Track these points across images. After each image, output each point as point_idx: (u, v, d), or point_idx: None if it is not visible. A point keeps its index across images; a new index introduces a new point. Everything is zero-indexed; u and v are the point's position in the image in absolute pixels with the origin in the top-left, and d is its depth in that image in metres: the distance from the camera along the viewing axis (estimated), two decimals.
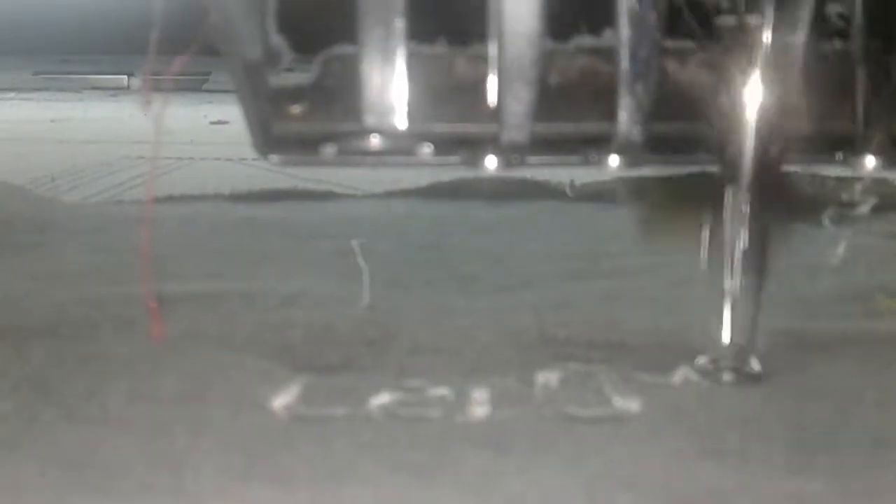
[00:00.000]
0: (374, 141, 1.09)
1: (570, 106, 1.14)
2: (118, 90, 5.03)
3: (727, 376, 1.08)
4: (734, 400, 1.00)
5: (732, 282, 1.11)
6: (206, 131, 3.50)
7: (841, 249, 1.40)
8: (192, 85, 4.48)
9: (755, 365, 1.08)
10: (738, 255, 1.11)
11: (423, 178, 2.21)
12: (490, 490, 0.81)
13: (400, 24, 1.08)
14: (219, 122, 3.69)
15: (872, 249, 1.63)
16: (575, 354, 1.16)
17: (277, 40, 1.11)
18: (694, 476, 0.81)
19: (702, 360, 1.10)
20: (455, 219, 1.99)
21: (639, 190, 2.01)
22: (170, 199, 2.09)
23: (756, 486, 0.79)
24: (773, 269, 1.50)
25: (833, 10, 1.14)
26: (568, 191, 2.17)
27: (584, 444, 0.90)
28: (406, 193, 2.21)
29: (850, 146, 1.10)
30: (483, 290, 1.42)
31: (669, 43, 1.14)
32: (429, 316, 1.29)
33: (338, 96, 1.12)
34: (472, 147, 1.09)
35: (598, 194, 2.09)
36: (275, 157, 1.12)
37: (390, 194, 2.23)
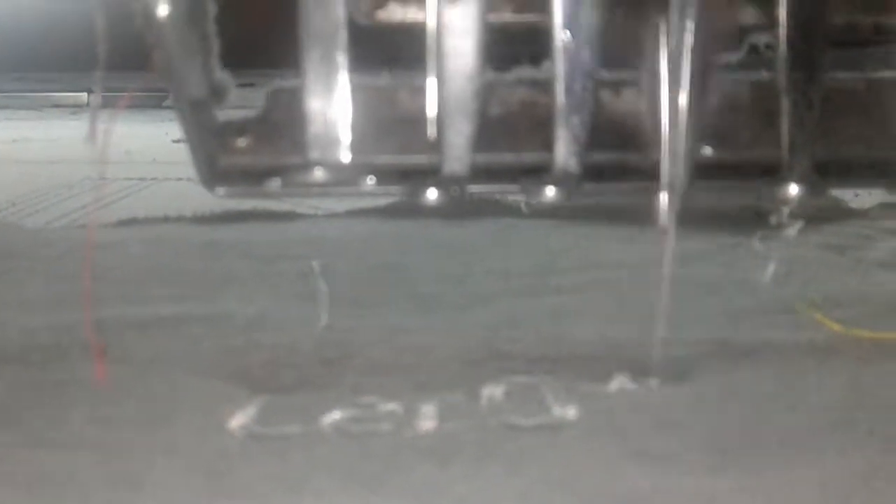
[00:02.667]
0: (318, 173, 1.14)
1: (511, 137, 1.19)
2: (78, 107, 5.01)
3: (654, 381, 1.15)
4: (662, 405, 1.08)
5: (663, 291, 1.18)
6: (168, 150, 3.49)
7: (773, 263, 1.48)
8: (153, 102, 4.47)
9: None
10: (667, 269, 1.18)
11: (385, 197, 2.26)
12: (435, 497, 0.87)
13: (342, 58, 1.13)
14: (181, 141, 3.69)
15: (806, 261, 1.71)
16: (521, 368, 1.23)
17: (222, 76, 1.17)
18: (619, 477, 0.88)
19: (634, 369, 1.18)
20: (415, 238, 2.05)
21: (590, 207, 2.10)
22: (133, 221, 2.14)
23: (674, 485, 0.85)
24: (709, 282, 1.60)
25: (761, 40, 1.21)
26: (524, 208, 2.24)
27: (524, 452, 0.96)
28: (367, 213, 2.26)
29: (776, 174, 1.17)
30: (439, 310, 1.48)
31: (605, 74, 1.21)
32: (384, 335, 1.35)
33: (283, 129, 1.17)
34: (414, 178, 1.14)
35: (552, 211, 2.17)
36: (221, 190, 1.17)
37: (352, 214, 2.29)
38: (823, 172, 1.16)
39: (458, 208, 2.24)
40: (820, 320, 1.34)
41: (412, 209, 2.23)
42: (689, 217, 1.32)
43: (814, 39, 1.13)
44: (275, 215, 2.25)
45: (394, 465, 0.93)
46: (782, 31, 1.11)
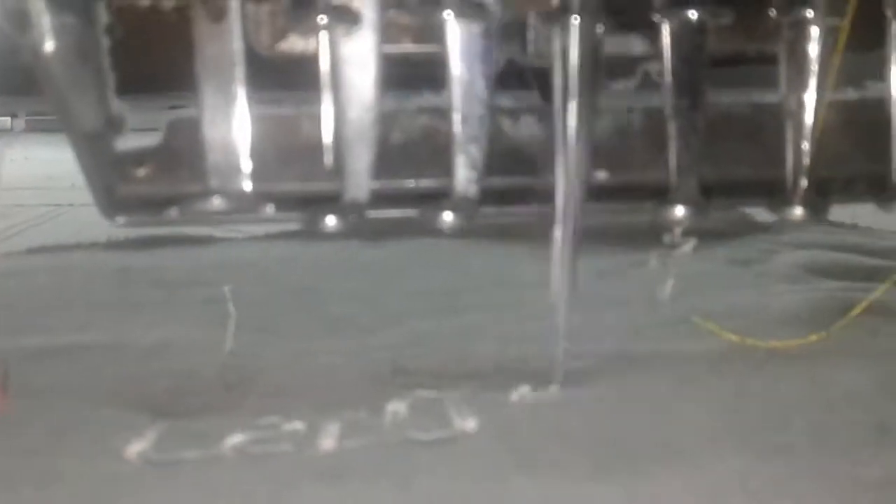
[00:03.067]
0: (218, 202, 1.14)
1: (411, 163, 1.21)
2: (1, 132, 4.89)
3: (553, 390, 1.18)
4: (558, 414, 1.10)
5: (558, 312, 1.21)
6: None
7: (676, 278, 1.53)
8: None
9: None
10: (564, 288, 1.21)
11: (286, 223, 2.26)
12: None
13: (241, 88, 1.14)
14: None
15: (711, 275, 1.77)
16: (425, 384, 1.24)
17: (119, 107, 1.16)
18: (508, 488, 0.90)
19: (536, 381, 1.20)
20: (333, 260, 2.05)
21: (509, 225, 2.13)
22: (43, 249, 2.09)
23: (559, 494, 0.87)
24: (613, 298, 1.63)
25: (654, 68, 1.26)
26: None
27: (418, 467, 0.98)
28: (287, 236, 2.26)
29: (665, 196, 1.21)
30: (348, 332, 1.48)
31: (502, 101, 1.24)
32: (289, 358, 1.35)
33: (182, 159, 1.17)
34: (314, 205, 1.15)
35: (469, 230, 2.19)
36: (121, 220, 1.16)
37: (271, 237, 2.28)
38: (710, 193, 1.21)
39: (377, 229, 2.27)
40: (714, 331, 1.38)
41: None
42: (597, 235, 1.37)
43: (696, 68, 1.18)
44: (191, 239, 2.23)
45: (287, 487, 0.94)
46: (666, 60, 1.16)
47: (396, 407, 1.15)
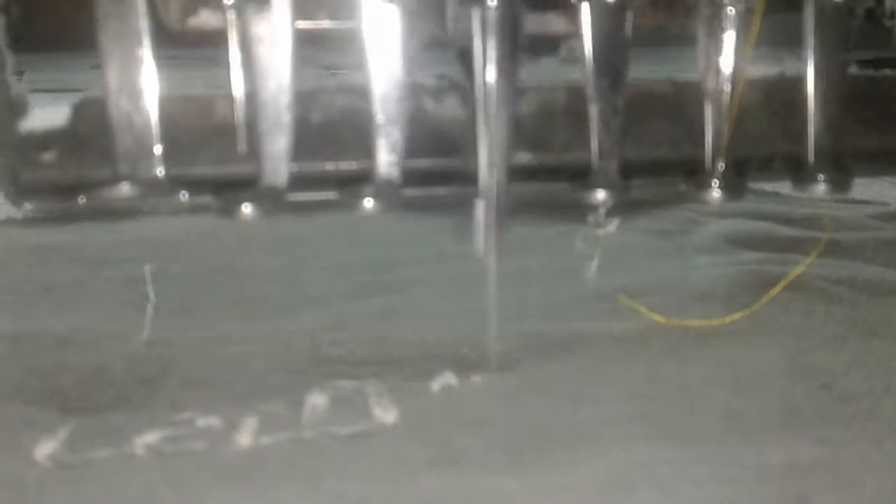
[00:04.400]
0: (128, 189, 1.10)
1: (331, 145, 1.18)
2: None
3: (475, 377, 1.19)
4: (477, 403, 1.11)
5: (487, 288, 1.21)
6: None
7: (597, 252, 1.54)
8: None
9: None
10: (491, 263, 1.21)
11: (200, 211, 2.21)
12: None
13: (150, 67, 1.09)
14: None
15: (631, 248, 1.79)
16: (346, 372, 1.23)
17: (20, 89, 1.11)
18: (418, 484, 0.90)
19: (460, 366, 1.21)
20: (256, 235, 2.01)
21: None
22: None
23: (469, 487, 0.88)
24: (535, 273, 1.64)
25: (578, 47, 1.25)
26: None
27: (330, 464, 0.97)
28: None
29: (586, 177, 1.21)
30: (265, 314, 1.46)
31: (422, 80, 1.21)
32: (206, 347, 1.32)
33: (89, 142, 1.13)
34: (229, 191, 1.12)
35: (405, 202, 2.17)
36: (27, 206, 1.12)
37: (196, 208, 2.22)
38: (630, 173, 1.22)
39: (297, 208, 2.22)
40: (633, 308, 1.40)
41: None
42: (520, 207, 1.36)
43: (615, 48, 1.17)
44: (114, 213, 2.15)
45: (195, 488, 0.92)
46: (585, 40, 1.15)
47: (316, 399, 1.15)
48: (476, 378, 1.19)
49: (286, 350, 1.31)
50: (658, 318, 1.38)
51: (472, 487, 0.89)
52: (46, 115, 1.17)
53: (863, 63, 1.34)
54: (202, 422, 1.10)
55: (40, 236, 2.01)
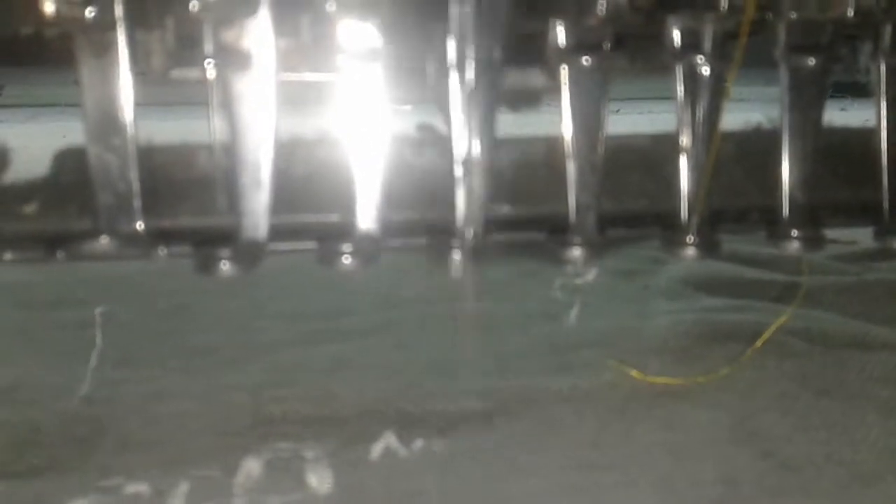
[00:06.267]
0: (106, 242, 1.09)
1: (312, 197, 1.17)
2: None
3: (418, 443, 1.17)
4: (413, 474, 1.09)
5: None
6: None
7: (559, 297, 1.52)
8: None
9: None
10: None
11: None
12: None
13: (130, 118, 1.06)
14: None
15: (593, 291, 1.77)
16: (287, 433, 1.21)
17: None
18: None
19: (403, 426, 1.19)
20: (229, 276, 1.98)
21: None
22: None
23: None
24: (493, 319, 1.63)
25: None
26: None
27: None
28: None
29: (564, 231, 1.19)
30: (210, 365, 1.44)
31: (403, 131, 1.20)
32: (146, 403, 1.30)
33: (70, 194, 1.11)
34: (207, 246, 1.10)
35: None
36: (8, 256, 1.11)
37: None
38: (607, 226, 1.21)
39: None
40: (616, 367, 1.37)
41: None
42: (497, 252, 1.33)
43: (594, 107, 1.17)
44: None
45: None
46: (564, 100, 1.15)
47: (251, 465, 1.12)
48: (418, 442, 1.17)
49: (227, 408, 1.28)
50: (634, 374, 1.36)
51: None
52: (29, 161, 1.16)
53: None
54: (130, 488, 1.08)
55: None
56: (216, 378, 1.38)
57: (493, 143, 1.12)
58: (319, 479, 1.10)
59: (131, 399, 1.31)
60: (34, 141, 1.32)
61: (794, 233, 1.20)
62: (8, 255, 1.13)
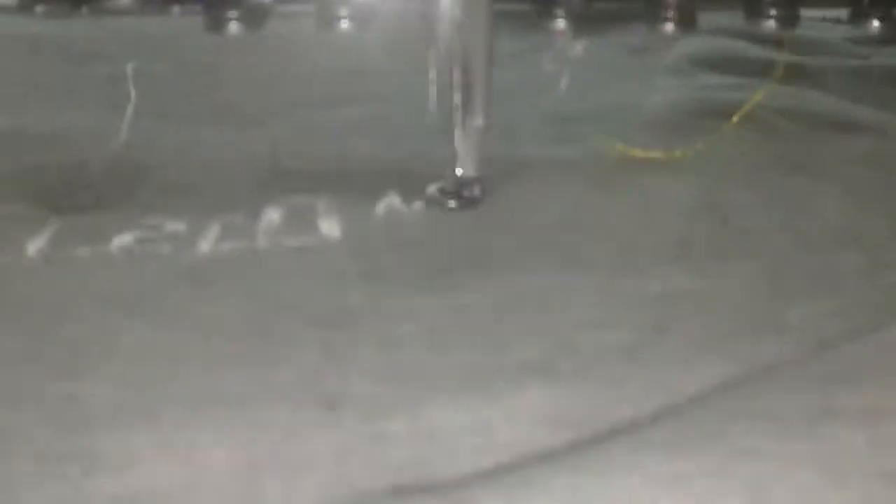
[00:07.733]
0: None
1: None
2: None
3: (452, 203, 1.31)
4: (415, 224, 1.24)
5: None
6: None
7: (567, 70, 1.60)
8: None
9: (476, 191, 1.31)
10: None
11: None
12: (180, 317, 1.01)
13: None
14: None
15: (601, 67, 1.83)
16: (302, 187, 1.36)
17: None
18: (341, 297, 1.05)
19: (431, 189, 1.32)
20: (240, 39, 2.06)
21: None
22: None
23: (385, 304, 1.03)
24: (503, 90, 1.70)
25: None
26: None
27: (274, 273, 1.12)
28: (194, 11, 2.21)
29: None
30: (236, 121, 1.57)
31: None
32: (179, 152, 1.45)
33: None
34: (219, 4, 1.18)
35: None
36: (40, 9, 1.20)
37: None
38: None
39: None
40: (609, 145, 1.47)
41: None
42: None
43: None
44: (103, 10, 2.18)
45: (156, 289, 1.08)
46: None
47: (271, 213, 1.28)
48: (418, 204, 1.31)
49: (251, 160, 1.43)
50: (619, 147, 1.46)
51: (390, 303, 1.04)
52: None
53: None
54: (169, 226, 1.25)
55: (33, 25, 2.07)
56: (242, 133, 1.51)
57: None
58: (330, 227, 1.26)
59: (168, 147, 1.46)
60: None
61: (771, 12, 1.25)
62: (39, 8, 1.22)
